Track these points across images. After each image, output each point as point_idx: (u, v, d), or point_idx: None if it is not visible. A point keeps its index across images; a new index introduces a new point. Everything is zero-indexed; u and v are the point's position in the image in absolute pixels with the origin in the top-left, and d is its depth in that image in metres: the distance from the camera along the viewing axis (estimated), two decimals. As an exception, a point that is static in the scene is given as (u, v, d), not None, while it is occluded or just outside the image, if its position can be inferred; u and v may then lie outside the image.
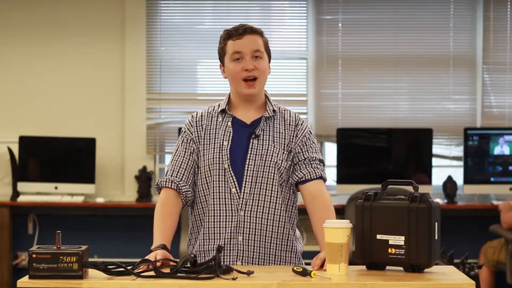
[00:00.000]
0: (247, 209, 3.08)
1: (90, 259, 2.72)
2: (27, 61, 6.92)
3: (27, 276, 2.65)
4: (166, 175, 3.17)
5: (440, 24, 6.90)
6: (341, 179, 6.64)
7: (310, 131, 3.21)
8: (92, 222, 6.84)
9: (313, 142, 3.19)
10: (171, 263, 2.77)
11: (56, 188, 6.66)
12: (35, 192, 6.69)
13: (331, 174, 6.85)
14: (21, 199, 6.61)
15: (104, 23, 6.92)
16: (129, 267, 2.71)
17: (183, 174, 3.14)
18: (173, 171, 3.15)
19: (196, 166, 3.16)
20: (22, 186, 6.66)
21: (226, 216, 3.08)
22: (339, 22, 6.91)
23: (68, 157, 6.70)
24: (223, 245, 3.05)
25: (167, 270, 2.71)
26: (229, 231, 3.07)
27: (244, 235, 3.07)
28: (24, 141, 6.68)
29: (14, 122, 6.90)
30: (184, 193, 3.13)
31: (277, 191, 3.10)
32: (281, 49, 6.88)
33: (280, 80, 6.93)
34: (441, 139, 6.90)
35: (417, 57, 6.91)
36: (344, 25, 6.91)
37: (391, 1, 6.92)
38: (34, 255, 2.63)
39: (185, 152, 3.17)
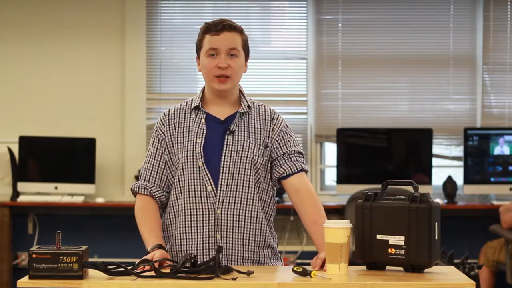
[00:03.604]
0: (224, 206, 3.05)
1: (90, 259, 2.73)
2: (27, 61, 6.93)
3: (27, 276, 2.65)
4: (139, 180, 3.17)
5: (440, 24, 6.90)
6: (341, 179, 6.64)
7: (286, 124, 3.18)
8: (92, 222, 6.84)
9: (290, 136, 3.16)
10: (169, 262, 2.77)
11: (56, 188, 6.66)
12: (35, 192, 6.69)
13: (331, 174, 6.86)
14: (21, 199, 6.61)
15: (104, 23, 6.92)
16: (129, 267, 2.71)
17: (155, 177, 3.14)
18: (145, 175, 3.16)
19: (168, 166, 3.14)
20: (22, 186, 6.66)
21: (203, 214, 3.05)
22: (339, 22, 6.91)
23: (68, 157, 6.70)
24: (200, 244, 3.03)
25: (167, 270, 2.71)
26: (207, 229, 3.04)
27: (222, 232, 3.04)
28: (24, 141, 6.69)
29: (14, 122, 6.90)
30: (157, 198, 3.12)
31: (253, 187, 3.07)
32: (281, 49, 6.88)
33: (280, 80, 6.92)
34: (441, 139, 6.90)
35: (417, 57, 6.91)
36: (344, 25, 6.91)
37: (391, 1, 6.92)
38: (34, 255, 2.63)
39: (155, 153, 3.16)
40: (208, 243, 3.04)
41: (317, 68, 6.90)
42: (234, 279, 2.64)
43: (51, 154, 6.72)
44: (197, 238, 3.05)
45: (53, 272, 2.62)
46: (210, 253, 3.03)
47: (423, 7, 6.91)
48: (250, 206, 3.07)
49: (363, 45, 6.92)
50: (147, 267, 2.73)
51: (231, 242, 3.05)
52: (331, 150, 6.94)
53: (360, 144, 6.73)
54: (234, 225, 3.06)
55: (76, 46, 6.92)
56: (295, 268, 2.73)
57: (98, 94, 6.92)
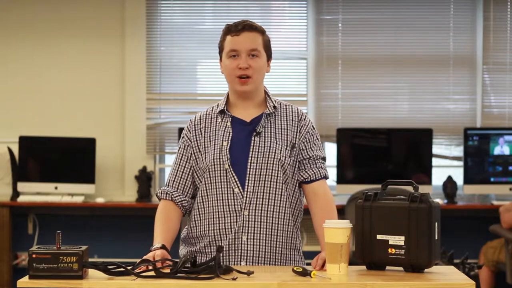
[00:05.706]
0: (251, 208, 3.04)
1: (90, 259, 2.72)
2: (27, 61, 6.92)
3: (27, 276, 2.65)
4: (165, 185, 3.18)
5: (440, 24, 6.90)
6: (341, 179, 6.64)
7: (313, 126, 3.17)
8: (92, 222, 6.84)
9: (317, 138, 3.17)
10: (169, 262, 2.77)
11: (56, 188, 6.66)
12: (35, 192, 6.69)
13: (331, 174, 6.84)
14: (21, 199, 6.61)
15: (104, 23, 6.92)
16: (129, 267, 2.71)
17: (179, 183, 3.14)
18: (169, 180, 3.17)
19: (193, 172, 3.14)
20: (22, 186, 6.66)
21: (230, 217, 3.04)
22: (339, 22, 6.91)
23: (68, 157, 6.70)
24: (225, 246, 3.03)
25: (167, 270, 2.71)
26: (234, 231, 3.04)
27: (249, 234, 3.03)
28: (24, 141, 6.68)
29: (14, 122, 6.90)
30: (179, 203, 3.12)
31: (282, 188, 3.07)
32: (281, 49, 6.88)
33: (280, 80, 6.93)
34: (441, 139, 6.90)
35: (417, 57, 6.91)
36: (344, 25, 6.91)
37: (391, 1, 6.91)
38: (34, 255, 2.63)
39: (181, 159, 3.16)
40: (234, 244, 3.03)
41: (317, 68, 6.90)
42: (234, 279, 2.64)
43: (51, 154, 6.72)
44: (224, 240, 3.04)
45: (53, 272, 2.62)
46: (236, 254, 3.03)
47: (423, 7, 6.91)
48: (278, 208, 3.07)
49: (363, 45, 6.92)
50: (146, 267, 2.73)
51: (258, 243, 3.04)
52: (331, 150, 6.94)
53: (360, 144, 6.73)
54: (262, 226, 3.04)
55: (76, 46, 6.92)
56: (295, 268, 2.73)
57: (98, 94, 6.92)
